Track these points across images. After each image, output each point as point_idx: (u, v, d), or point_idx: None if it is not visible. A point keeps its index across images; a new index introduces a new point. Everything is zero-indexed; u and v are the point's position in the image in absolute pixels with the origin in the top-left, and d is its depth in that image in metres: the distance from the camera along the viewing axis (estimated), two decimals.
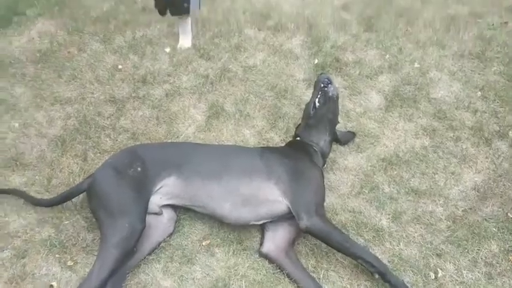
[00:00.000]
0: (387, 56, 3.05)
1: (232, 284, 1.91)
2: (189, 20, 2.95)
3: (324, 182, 2.12)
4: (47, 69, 2.84)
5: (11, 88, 2.71)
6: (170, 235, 2.06)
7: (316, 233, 1.92)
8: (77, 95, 2.68)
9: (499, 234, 2.12)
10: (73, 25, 3.17)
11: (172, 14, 2.90)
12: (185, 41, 2.95)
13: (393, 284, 1.85)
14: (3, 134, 2.45)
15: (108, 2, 3.40)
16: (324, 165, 2.27)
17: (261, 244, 2.05)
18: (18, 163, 2.31)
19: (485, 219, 2.18)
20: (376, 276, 1.87)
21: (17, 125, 2.50)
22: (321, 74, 2.38)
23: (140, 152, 2.08)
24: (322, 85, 2.28)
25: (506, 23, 3.36)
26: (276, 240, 2.03)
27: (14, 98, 2.65)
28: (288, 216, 2.00)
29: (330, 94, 2.24)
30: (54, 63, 2.87)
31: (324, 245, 2.04)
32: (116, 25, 3.20)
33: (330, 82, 2.29)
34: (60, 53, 2.95)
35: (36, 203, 2.12)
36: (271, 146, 2.45)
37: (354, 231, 2.12)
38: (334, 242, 1.90)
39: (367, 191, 2.28)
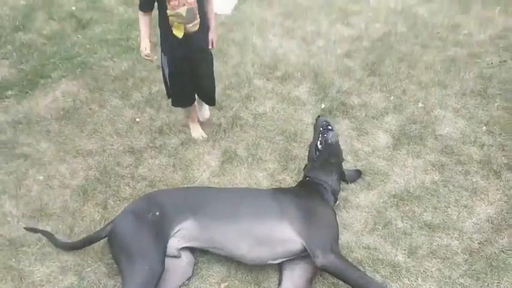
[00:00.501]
0: (391, 97, 3.18)
1: None
2: None
3: (336, 219, 2.16)
4: (70, 125, 3.03)
5: (36, 144, 2.88)
6: (189, 279, 2.10)
7: (332, 270, 1.94)
8: (98, 148, 2.84)
9: None
10: (94, 84, 3.40)
11: (210, 104, 2.86)
12: (206, 112, 2.98)
13: None
14: (29, 187, 2.58)
15: (126, 62, 3.65)
16: (336, 203, 2.32)
17: (279, 284, 2.06)
18: (42, 213, 2.42)
19: (502, 251, 2.17)
20: None
21: (41, 177, 2.64)
22: (319, 116, 2.48)
23: (158, 198, 2.18)
24: (321, 129, 2.37)
25: (505, 61, 3.49)
26: (294, 279, 2.05)
27: (40, 153, 2.82)
28: (305, 255, 2.03)
29: (329, 142, 2.30)
30: (76, 119, 3.07)
31: (341, 282, 2.05)
32: (133, 82, 3.42)
33: (328, 127, 2.37)
34: (82, 110, 3.15)
35: (59, 245, 2.22)
36: (283, 187, 2.52)
37: (370, 268, 2.12)
38: (350, 279, 1.91)
39: (380, 227, 2.31)
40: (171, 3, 2.29)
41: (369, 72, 3.45)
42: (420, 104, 3.10)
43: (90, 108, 3.16)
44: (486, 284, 2.04)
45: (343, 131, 2.91)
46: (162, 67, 2.61)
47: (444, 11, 4.28)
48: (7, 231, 2.33)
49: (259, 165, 2.69)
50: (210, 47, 2.61)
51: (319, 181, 2.32)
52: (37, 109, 3.18)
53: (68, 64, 3.65)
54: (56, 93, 3.34)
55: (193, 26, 2.39)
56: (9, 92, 3.35)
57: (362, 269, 2.09)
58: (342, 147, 2.48)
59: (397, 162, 2.68)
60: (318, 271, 2.03)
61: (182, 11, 2.30)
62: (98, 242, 2.18)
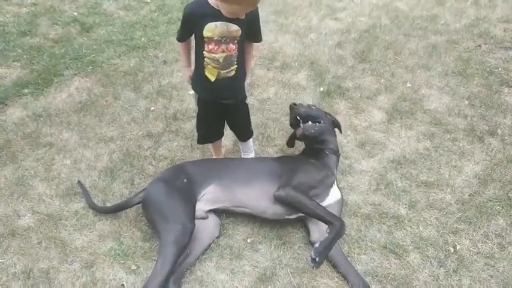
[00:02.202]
0: (382, 80, 3.51)
1: (279, 272, 2.17)
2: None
3: (322, 179, 2.33)
4: (88, 116, 3.24)
5: (59, 134, 3.08)
6: (217, 238, 2.34)
7: (289, 201, 2.19)
8: (118, 134, 3.06)
9: (503, 211, 2.43)
10: (106, 80, 3.62)
11: (244, 140, 2.71)
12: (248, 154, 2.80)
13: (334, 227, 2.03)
14: (58, 171, 2.78)
15: (133, 59, 3.88)
16: (338, 158, 2.55)
17: (309, 235, 2.32)
18: (74, 192, 2.62)
19: (489, 200, 2.50)
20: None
21: (68, 162, 2.85)
22: (292, 104, 2.58)
23: (185, 167, 2.43)
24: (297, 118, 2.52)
25: (479, 46, 3.88)
26: (320, 230, 2.28)
27: (63, 141, 3.01)
28: None
29: (305, 133, 2.44)
30: (94, 111, 3.28)
31: (353, 232, 2.33)
32: (143, 76, 3.66)
33: (300, 121, 2.48)
34: (98, 103, 3.37)
35: (96, 208, 2.46)
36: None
37: (377, 221, 2.41)
38: (306, 210, 2.16)
39: (383, 187, 2.60)
40: (210, 46, 2.10)
41: (360, 60, 3.78)
42: (408, 85, 3.43)
43: (106, 101, 3.38)
44: (478, 226, 2.36)
45: (341, 110, 3.22)
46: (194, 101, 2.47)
47: (422, 4, 4.68)
48: (44, 209, 2.52)
49: (269, 142, 2.96)
50: (246, 93, 2.48)
51: (318, 148, 2.52)
52: (55, 103, 3.38)
53: (78, 63, 3.85)
54: (71, 89, 3.54)
55: (228, 72, 2.20)
56: (26, 90, 3.53)
57: (370, 222, 2.38)
58: (342, 123, 2.77)
59: (393, 134, 3.00)
60: None
61: (220, 56, 2.12)
62: (130, 209, 2.41)
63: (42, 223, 2.43)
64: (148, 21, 4.52)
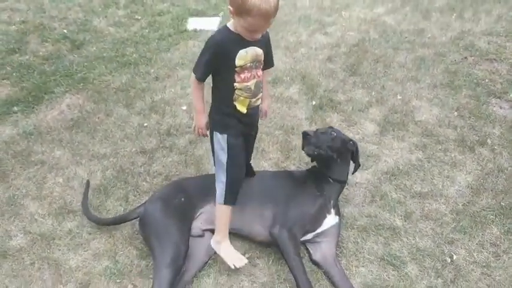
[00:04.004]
0: (373, 93, 3.56)
1: (278, 287, 2.15)
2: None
3: (316, 213, 2.30)
4: (80, 133, 3.21)
5: (50, 151, 3.04)
6: (214, 253, 2.31)
7: (278, 243, 2.16)
8: (111, 151, 3.03)
9: (497, 220, 2.46)
10: (97, 96, 3.61)
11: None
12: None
13: None
14: (51, 189, 2.74)
15: (125, 75, 3.88)
16: (341, 191, 2.48)
17: (310, 254, 2.30)
18: (67, 210, 2.59)
19: (483, 209, 2.53)
20: None
21: (61, 180, 2.81)
22: (305, 132, 2.40)
23: (183, 184, 2.42)
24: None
25: (465, 58, 3.97)
26: (322, 250, 2.27)
27: (55, 159, 2.98)
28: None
29: (308, 153, 2.40)
30: (86, 128, 3.25)
31: (351, 245, 2.34)
32: (135, 93, 3.65)
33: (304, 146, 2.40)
34: (90, 119, 3.35)
35: (92, 218, 2.44)
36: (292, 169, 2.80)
37: (373, 232, 2.42)
38: (288, 261, 2.13)
39: (378, 199, 2.62)
40: (242, 75, 1.99)
41: (350, 73, 3.83)
42: (399, 97, 3.49)
43: (98, 117, 3.36)
44: (473, 236, 2.38)
45: (334, 123, 3.25)
46: (215, 150, 2.18)
47: (408, 19, 4.79)
48: (36, 228, 2.47)
49: (263, 156, 2.96)
50: (262, 118, 2.35)
51: (321, 171, 2.46)
52: (46, 121, 3.35)
53: (69, 80, 3.84)
54: (62, 106, 3.52)
55: (256, 101, 2.11)
56: (16, 108, 3.49)
57: (367, 234, 2.39)
58: None
59: (385, 146, 3.03)
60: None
61: (251, 84, 2.03)
62: (125, 227, 2.38)
63: (34, 243, 2.38)
64: (140, 37, 4.54)
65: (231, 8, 1.84)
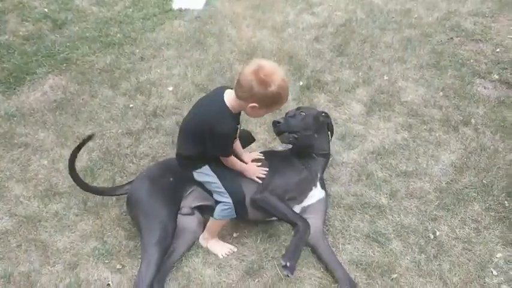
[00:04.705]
0: (360, 73, 3.56)
1: (266, 265, 2.19)
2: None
3: (300, 182, 2.32)
4: (64, 114, 3.16)
5: (34, 134, 2.99)
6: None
7: (263, 205, 2.19)
8: (97, 133, 2.98)
9: (478, 197, 2.53)
10: (81, 77, 3.54)
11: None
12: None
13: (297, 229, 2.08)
14: (36, 172, 2.71)
15: (109, 56, 3.80)
16: (327, 163, 2.54)
17: None
18: (53, 193, 2.57)
19: (465, 187, 2.59)
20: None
21: (46, 162, 2.77)
22: (275, 122, 2.42)
23: (172, 164, 2.41)
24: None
25: (451, 38, 3.99)
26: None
27: (39, 141, 2.93)
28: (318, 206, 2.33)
29: (284, 141, 2.43)
30: (70, 109, 3.20)
31: (337, 223, 2.38)
32: (120, 73, 3.59)
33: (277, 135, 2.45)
34: (74, 101, 3.29)
35: (84, 187, 2.40)
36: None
37: (359, 210, 2.46)
38: (279, 214, 2.19)
39: (364, 178, 2.66)
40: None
41: (337, 53, 3.82)
42: (385, 77, 3.50)
43: (82, 99, 3.30)
44: (455, 213, 2.44)
45: (321, 103, 3.25)
46: (207, 185, 2.24)
47: None
48: (22, 211, 2.45)
49: None
50: None
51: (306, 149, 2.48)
52: (28, 102, 3.28)
53: (51, 60, 3.74)
54: (45, 88, 3.44)
55: None
56: None
57: (353, 212, 2.43)
58: None
59: (372, 126, 3.06)
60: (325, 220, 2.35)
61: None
62: (113, 208, 2.38)
63: (20, 225, 2.37)
64: (124, 17, 4.42)
65: (257, 105, 1.93)
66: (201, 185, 2.25)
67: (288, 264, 1.91)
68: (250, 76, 1.88)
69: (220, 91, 2.08)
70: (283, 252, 2.06)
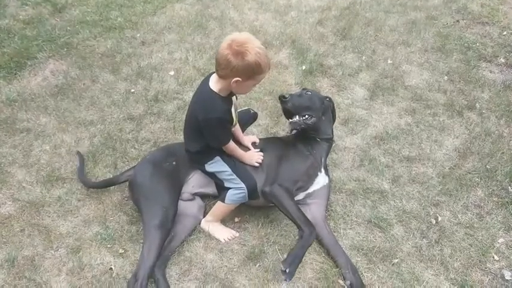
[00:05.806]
0: (363, 57, 3.51)
1: (267, 249, 2.20)
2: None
3: (307, 170, 2.29)
4: (66, 99, 3.14)
5: (35, 119, 2.99)
6: (201, 220, 2.34)
7: (273, 198, 2.13)
8: (98, 118, 2.98)
9: (482, 182, 2.51)
10: (82, 62, 3.51)
11: None
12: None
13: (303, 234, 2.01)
14: (38, 156, 2.71)
15: (110, 40, 3.76)
16: (331, 146, 2.50)
17: None
18: (56, 178, 2.57)
19: (469, 172, 2.57)
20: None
21: (48, 147, 2.77)
22: (281, 97, 2.39)
23: (175, 148, 2.40)
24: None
25: (457, 21, 3.92)
26: (312, 212, 2.29)
27: (41, 126, 2.93)
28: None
29: (293, 129, 2.39)
30: (71, 94, 3.18)
31: (339, 208, 2.37)
32: (121, 58, 3.56)
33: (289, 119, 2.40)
34: (76, 86, 3.27)
35: (84, 181, 2.46)
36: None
37: (361, 196, 2.45)
38: (286, 212, 2.10)
39: (366, 163, 2.64)
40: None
41: (341, 37, 3.77)
42: (389, 61, 3.45)
43: (84, 84, 3.28)
44: (458, 198, 2.43)
45: (324, 88, 3.22)
46: (219, 177, 2.24)
47: None
48: (25, 196, 2.46)
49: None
50: None
51: (309, 136, 2.45)
52: (29, 88, 3.26)
53: (52, 45, 3.71)
54: (46, 72, 3.42)
55: None
56: None
57: (355, 197, 2.42)
58: None
59: (375, 111, 3.03)
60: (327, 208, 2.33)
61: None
62: (115, 193, 2.37)
63: (23, 210, 2.38)
64: (124, 0, 4.37)
65: (240, 79, 1.89)
66: (212, 174, 2.25)
67: (287, 270, 1.91)
68: (225, 51, 1.86)
69: (206, 80, 2.07)
70: (284, 254, 2.09)
